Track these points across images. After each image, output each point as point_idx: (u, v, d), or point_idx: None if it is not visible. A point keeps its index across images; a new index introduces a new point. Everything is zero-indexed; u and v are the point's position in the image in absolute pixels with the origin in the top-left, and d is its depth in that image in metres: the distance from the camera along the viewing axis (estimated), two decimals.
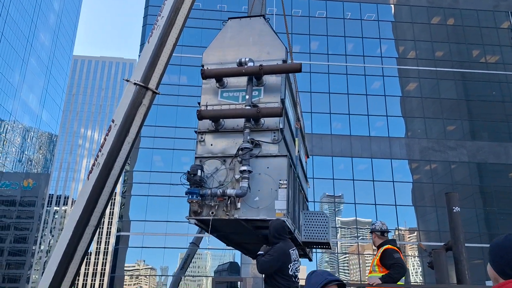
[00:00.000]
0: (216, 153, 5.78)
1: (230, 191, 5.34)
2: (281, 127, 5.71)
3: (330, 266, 34.14)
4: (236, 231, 6.19)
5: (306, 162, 9.25)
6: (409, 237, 34.39)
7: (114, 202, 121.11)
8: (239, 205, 5.35)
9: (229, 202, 5.38)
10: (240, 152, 5.48)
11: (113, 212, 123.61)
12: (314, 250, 33.40)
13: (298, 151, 7.69)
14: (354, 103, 35.56)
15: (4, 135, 62.09)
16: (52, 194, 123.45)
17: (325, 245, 7.41)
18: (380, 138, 34.76)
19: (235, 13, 29.68)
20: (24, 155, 68.95)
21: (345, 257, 34.66)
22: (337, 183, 33.93)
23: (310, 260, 9.12)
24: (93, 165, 5.71)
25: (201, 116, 5.72)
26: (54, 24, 77.16)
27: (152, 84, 5.93)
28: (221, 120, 5.82)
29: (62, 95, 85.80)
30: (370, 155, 34.27)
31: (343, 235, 34.60)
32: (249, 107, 5.64)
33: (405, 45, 38.23)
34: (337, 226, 34.35)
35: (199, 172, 5.44)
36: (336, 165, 34.16)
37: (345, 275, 33.12)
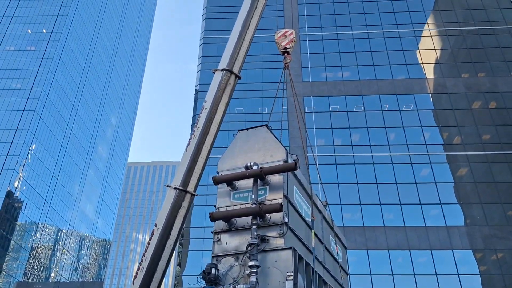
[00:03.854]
0: (230, 250, 6.18)
1: (240, 287, 5.61)
2: (285, 221, 6.09)
3: None
4: None
5: (337, 253, 9.12)
6: None
7: None
8: None
9: None
10: (248, 248, 5.84)
11: None
12: None
13: (322, 242, 7.94)
14: (404, 192, 34.59)
15: (62, 244, 64.52)
16: None
17: None
18: (437, 227, 32.96)
19: (275, 114, 31.27)
20: (79, 264, 70.50)
21: None
22: (397, 279, 31.70)
23: None
24: (138, 269, 5.98)
25: (213, 217, 6.29)
26: (111, 137, 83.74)
27: (190, 188, 6.46)
28: (233, 219, 6.29)
29: (117, 201, 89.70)
30: (429, 246, 32.27)
31: None
32: (255, 206, 6.09)
33: (449, 131, 37.81)
34: None
35: (213, 270, 5.79)
36: (394, 259, 32.26)
37: None
